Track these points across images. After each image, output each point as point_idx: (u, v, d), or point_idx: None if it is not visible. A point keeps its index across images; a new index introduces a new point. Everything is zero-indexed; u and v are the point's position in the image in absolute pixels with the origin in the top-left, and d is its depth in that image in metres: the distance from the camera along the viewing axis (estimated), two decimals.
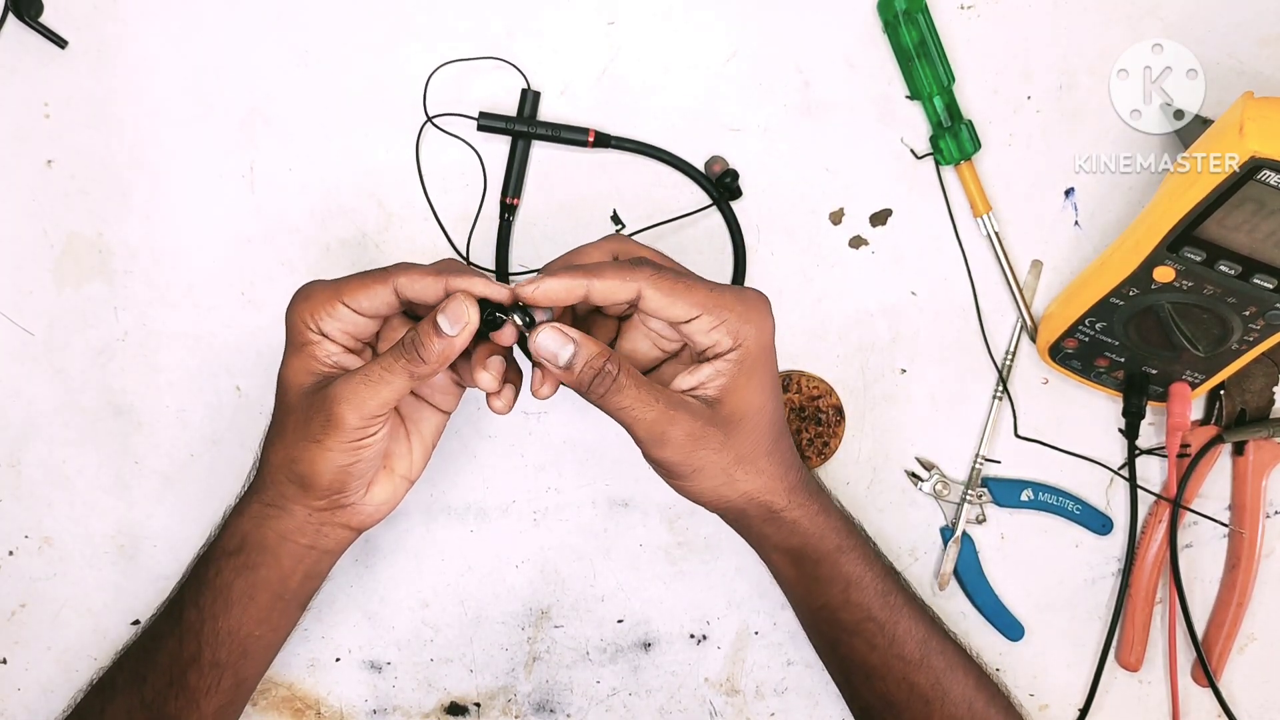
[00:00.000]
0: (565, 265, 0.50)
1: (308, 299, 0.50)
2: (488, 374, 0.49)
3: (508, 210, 0.61)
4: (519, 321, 0.48)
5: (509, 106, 0.60)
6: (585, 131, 0.59)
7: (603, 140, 0.60)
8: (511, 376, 0.51)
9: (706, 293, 0.48)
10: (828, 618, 0.54)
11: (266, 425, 0.53)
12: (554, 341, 0.47)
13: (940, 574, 0.63)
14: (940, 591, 0.63)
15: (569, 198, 0.61)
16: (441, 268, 0.49)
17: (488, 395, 0.50)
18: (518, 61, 0.61)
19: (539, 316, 0.49)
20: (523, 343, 0.49)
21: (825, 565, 0.53)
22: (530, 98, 0.60)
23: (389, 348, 0.49)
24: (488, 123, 0.59)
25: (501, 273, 0.61)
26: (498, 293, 0.48)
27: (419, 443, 0.54)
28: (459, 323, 0.47)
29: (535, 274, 0.49)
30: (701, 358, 0.49)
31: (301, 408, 0.50)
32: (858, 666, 0.54)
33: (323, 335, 0.50)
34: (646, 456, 0.51)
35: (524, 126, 0.59)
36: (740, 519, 0.54)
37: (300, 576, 0.54)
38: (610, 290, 0.47)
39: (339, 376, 0.49)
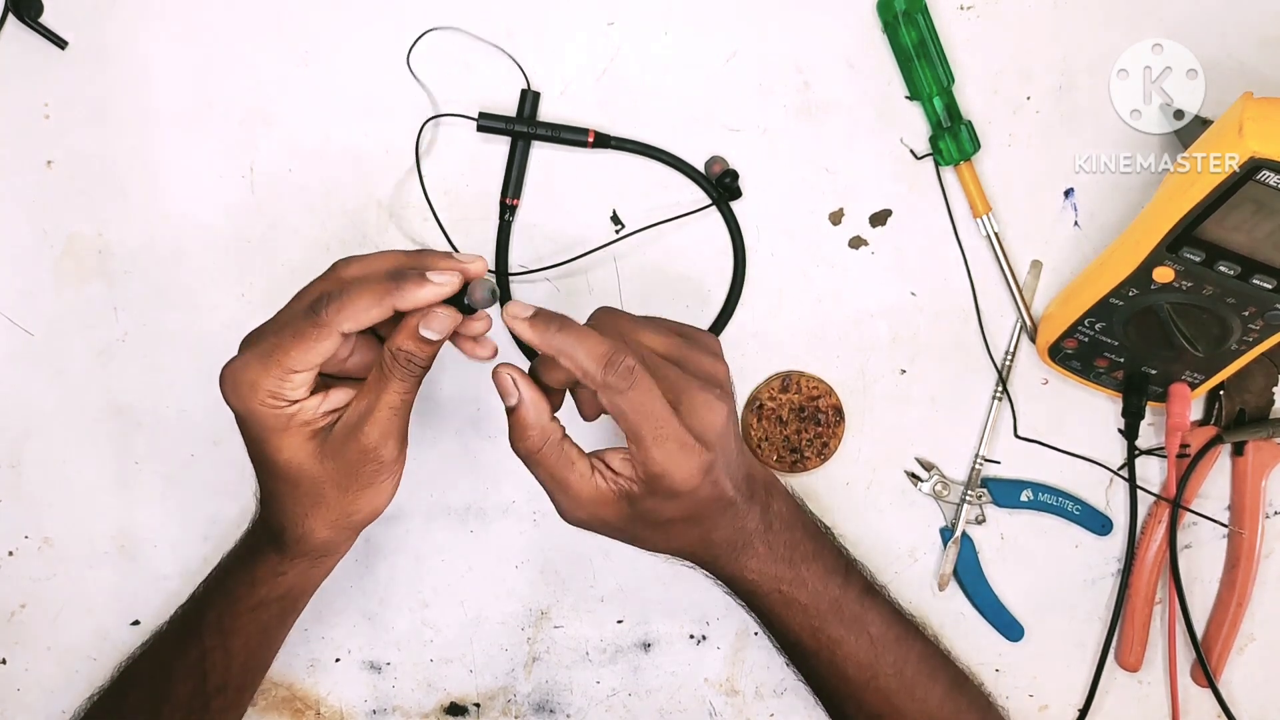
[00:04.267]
0: (555, 317, 0.47)
1: (255, 385, 0.45)
2: (485, 350, 0.49)
3: (508, 210, 0.61)
4: (487, 297, 0.47)
5: (509, 107, 0.60)
6: (585, 132, 0.59)
7: (603, 141, 0.60)
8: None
9: (649, 433, 0.45)
10: (775, 640, 0.57)
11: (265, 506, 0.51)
12: (506, 385, 0.47)
13: (940, 575, 0.63)
14: (940, 592, 0.63)
15: (569, 198, 0.61)
16: (379, 277, 0.46)
17: (470, 345, 0.49)
18: (517, 61, 0.61)
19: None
20: (465, 310, 0.48)
21: (744, 599, 0.55)
22: (530, 98, 0.60)
23: (383, 371, 0.47)
24: (487, 123, 0.59)
25: (501, 273, 0.61)
26: (452, 286, 0.46)
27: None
28: (444, 331, 0.46)
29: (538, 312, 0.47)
30: (631, 463, 0.47)
31: (334, 470, 0.48)
32: (812, 684, 0.57)
33: (297, 403, 0.47)
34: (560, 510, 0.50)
35: (524, 127, 0.59)
36: (697, 565, 0.54)
37: (309, 594, 0.56)
38: (570, 358, 0.45)
39: (346, 418, 0.47)
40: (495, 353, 0.49)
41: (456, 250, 0.59)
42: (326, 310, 0.44)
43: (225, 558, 0.56)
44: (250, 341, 0.47)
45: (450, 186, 0.61)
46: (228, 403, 0.47)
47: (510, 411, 0.47)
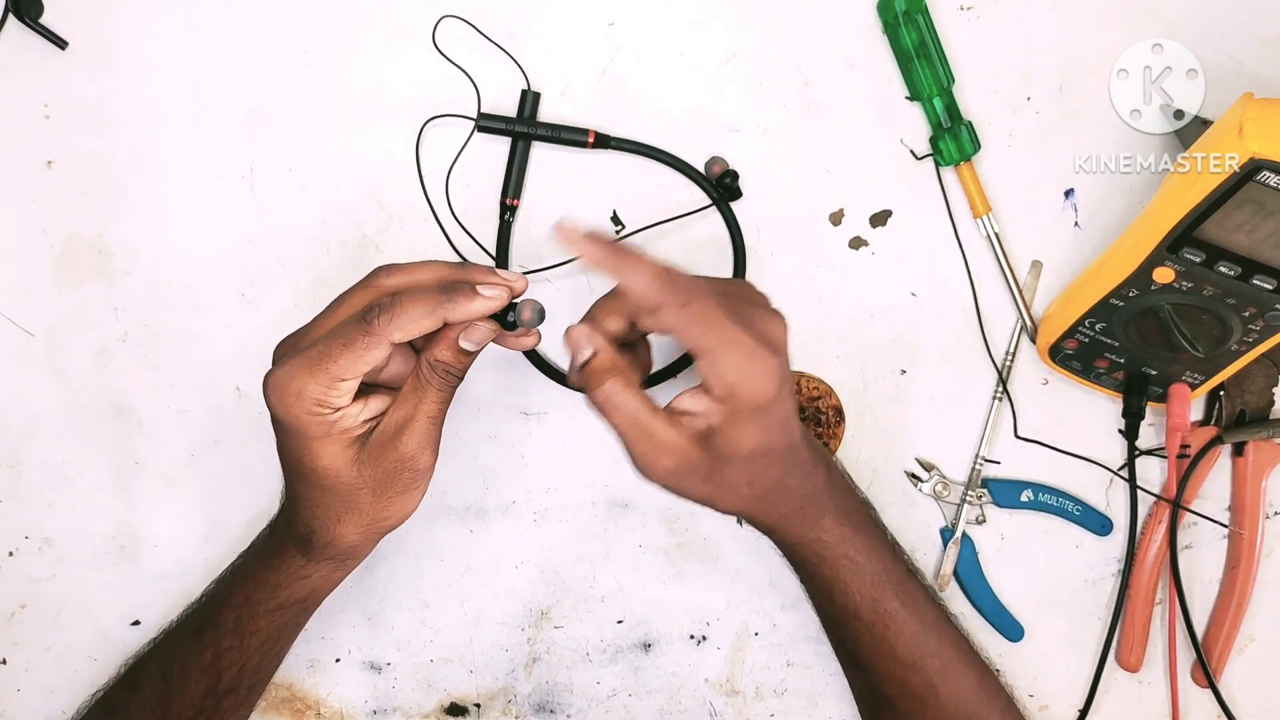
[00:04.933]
0: (617, 243, 0.47)
1: (302, 393, 0.45)
2: (531, 340, 0.51)
3: (508, 211, 0.61)
4: (531, 318, 0.49)
5: (509, 107, 0.60)
6: (585, 132, 0.59)
7: (603, 141, 0.60)
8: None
9: (717, 340, 0.45)
10: (822, 614, 0.57)
11: (291, 499, 0.51)
12: (579, 338, 0.48)
13: (940, 575, 0.63)
14: (941, 592, 0.63)
15: (569, 198, 0.61)
16: (430, 289, 0.46)
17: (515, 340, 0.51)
18: (517, 61, 0.61)
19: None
20: (508, 325, 0.49)
21: (810, 568, 0.54)
22: (530, 98, 0.60)
23: (420, 381, 0.48)
24: (488, 124, 0.59)
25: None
26: (501, 300, 0.47)
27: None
28: (483, 343, 0.48)
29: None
30: (704, 387, 0.47)
31: (371, 478, 0.48)
32: (849, 659, 0.57)
33: (340, 410, 0.47)
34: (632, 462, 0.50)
35: (524, 127, 0.59)
36: (748, 522, 0.54)
37: (325, 596, 0.56)
38: (633, 286, 0.45)
39: (383, 426, 0.48)
40: (539, 340, 0.51)
41: (497, 266, 0.60)
42: (379, 319, 0.45)
43: (243, 559, 0.56)
44: (289, 349, 0.48)
45: (450, 186, 0.61)
46: (272, 410, 0.47)
47: (584, 366, 0.47)
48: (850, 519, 0.54)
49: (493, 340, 0.49)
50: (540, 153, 0.61)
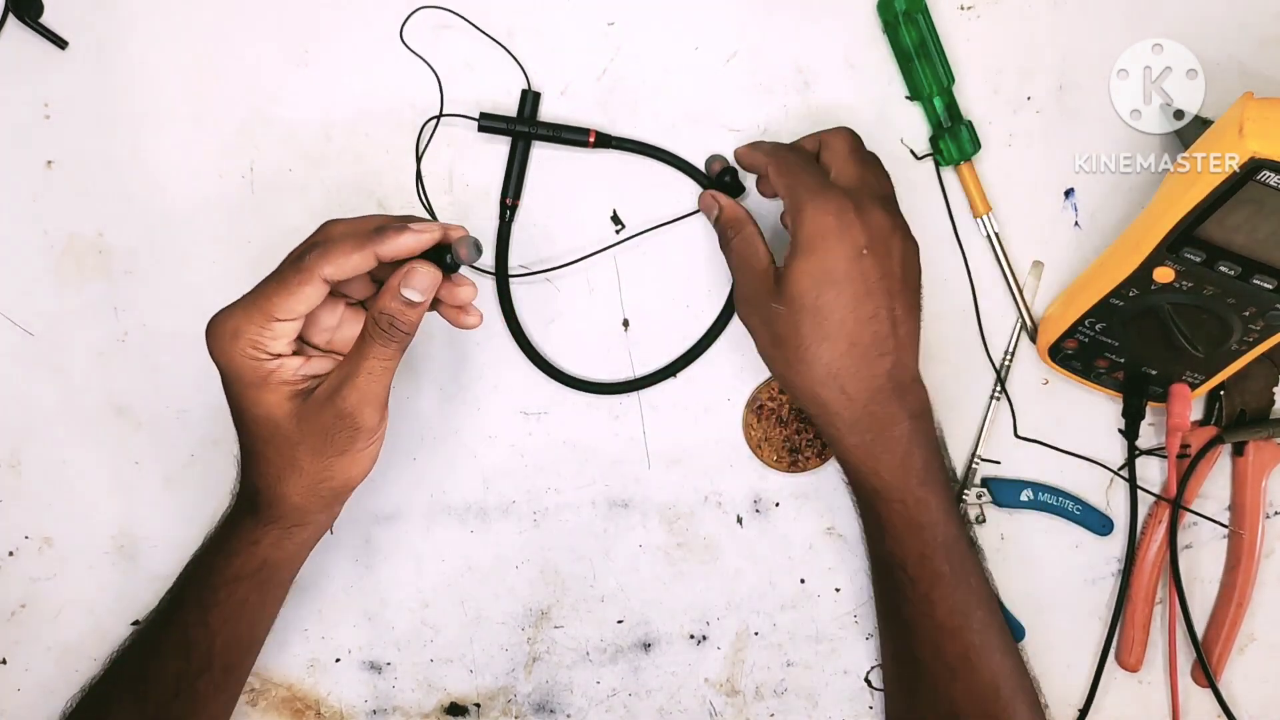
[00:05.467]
0: (763, 145, 0.57)
1: (237, 333, 0.47)
2: (473, 319, 0.52)
3: (508, 210, 0.61)
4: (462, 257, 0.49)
5: (509, 107, 0.60)
6: (586, 132, 0.59)
7: (603, 140, 0.60)
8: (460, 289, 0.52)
9: (790, 184, 0.52)
10: (870, 550, 0.58)
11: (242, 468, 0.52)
12: (706, 202, 0.57)
13: None
14: None
15: (569, 197, 0.61)
16: (363, 230, 0.48)
17: (457, 314, 0.52)
18: (518, 60, 0.61)
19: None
20: (448, 268, 0.49)
21: (866, 500, 0.55)
22: (530, 98, 0.60)
23: (364, 336, 0.48)
24: (489, 123, 0.59)
25: (501, 273, 0.61)
26: (432, 236, 0.48)
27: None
28: (426, 290, 0.48)
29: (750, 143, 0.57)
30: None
31: (309, 433, 0.49)
32: (890, 611, 0.56)
33: (278, 357, 0.48)
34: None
35: (525, 127, 0.59)
36: (817, 422, 0.55)
37: (299, 566, 0.56)
38: (747, 159, 0.57)
39: (326, 383, 0.48)
40: (481, 320, 0.52)
41: (497, 269, 0.61)
42: (310, 256, 0.46)
43: (206, 536, 0.56)
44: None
45: (450, 186, 0.61)
46: (211, 355, 0.48)
47: (718, 219, 0.57)
48: (923, 473, 0.53)
49: (438, 297, 0.49)
50: (540, 152, 0.61)
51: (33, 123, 0.61)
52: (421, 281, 0.48)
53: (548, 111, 0.61)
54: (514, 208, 0.61)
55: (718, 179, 0.60)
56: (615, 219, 0.62)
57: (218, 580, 0.53)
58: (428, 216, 0.60)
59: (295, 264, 0.47)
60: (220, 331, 0.47)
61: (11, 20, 0.60)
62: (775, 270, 0.53)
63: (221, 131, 0.61)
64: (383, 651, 0.63)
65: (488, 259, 0.61)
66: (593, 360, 0.62)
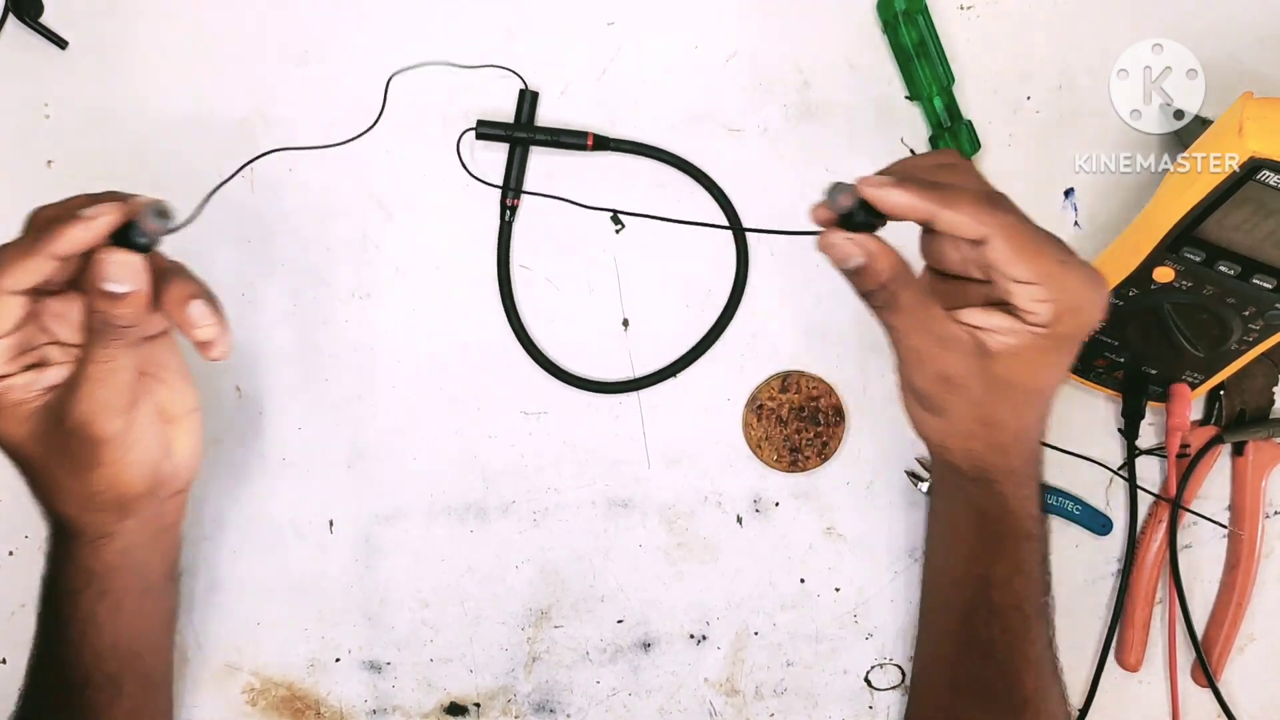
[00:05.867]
0: (913, 178, 0.43)
1: None
2: (213, 351, 0.45)
3: (508, 210, 0.61)
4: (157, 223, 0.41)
5: (507, 109, 0.60)
6: (584, 135, 0.59)
7: (602, 143, 0.60)
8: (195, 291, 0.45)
9: (1054, 264, 0.42)
10: (978, 591, 0.52)
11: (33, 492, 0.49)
12: (846, 250, 0.42)
13: None
14: None
15: (569, 196, 0.61)
16: (37, 233, 0.42)
17: (204, 344, 0.44)
18: (517, 61, 0.61)
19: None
20: (140, 247, 0.42)
21: (1007, 543, 0.51)
22: (528, 99, 0.60)
23: (86, 340, 0.43)
24: (487, 131, 0.59)
25: (503, 277, 0.61)
26: (107, 220, 0.41)
27: (171, 373, 0.49)
28: (125, 279, 0.41)
29: (879, 174, 0.44)
30: (1004, 306, 0.44)
31: (54, 451, 0.44)
32: (979, 645, 0.52)
33: (3, 379, 0.43)
34: (899, 375, 0.47)
35: (524, 133, 0.59)
36: (948, 470, 0.50)
37: (158, 563, 0.52)
38: (958, 225, 0.42)
39: (54, 395, 0.44)
40: (224, 352, 0.45)
41: (499, 271, 0.55)
42: None
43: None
44: None
45: (449, 188, 0.61)
46: None
47: (858, 271, 0.43)
48: (1042, 502, 0.51)
49: (146, 280, 0.42)
50: (540, 153, 0.61)
51: (33, 123, 0.61)
52: (113, 271, 0.41)
53: (548, 111, 0.61)
54: (514, 208, 0.61)
55: (847, 217, 0.44)
56: (615, 219, 0.62)
57: (56, 596, 0.50)
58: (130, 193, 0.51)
59: None
60: None
61: (11, 20, 0.60)
62: (976, 341, 0.44)
63: (221, 131, 0.61)
64: (383, 651, 0.63)
65: (486, 256, 0.61)
66: (593, 360, 0.62)
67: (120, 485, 0.46)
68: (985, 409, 0.46)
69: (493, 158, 0.61)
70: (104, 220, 0.41)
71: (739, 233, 0.61)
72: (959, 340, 0.44)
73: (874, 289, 0.43)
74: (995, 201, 0.43)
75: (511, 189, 0.60)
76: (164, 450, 0.48)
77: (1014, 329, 0.44)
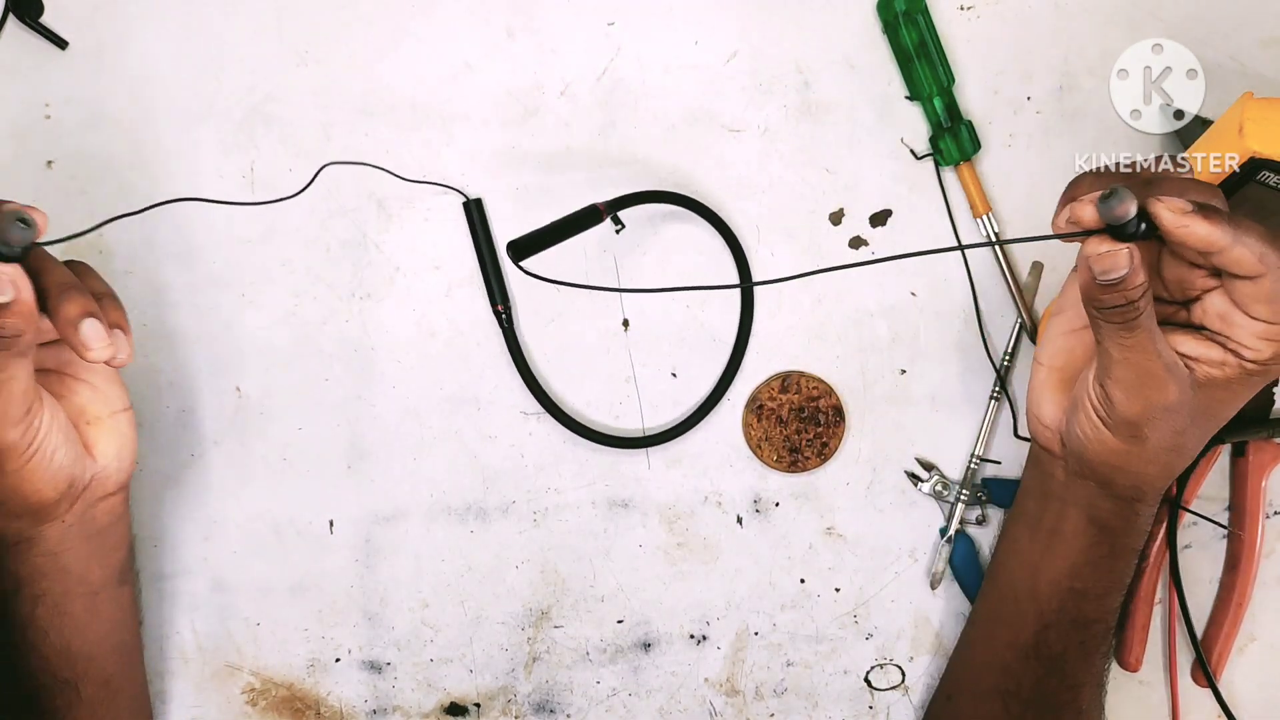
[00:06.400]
0: (1212, 208, 0.41)
1: None
2: (101, 353, 0.43)
3: (501, 316, 0.59)
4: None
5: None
6: (595, 208, 0.57)
7: (610, 207, 0.58)
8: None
9: None
10: (1067, 603, 0.51)
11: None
12: (1119, 260, 0.40)
13: (932, 574, 0.63)
14: (933, 591, 0.63)
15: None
16: None
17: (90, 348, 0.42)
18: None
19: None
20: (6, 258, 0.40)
21: (1116, 559, 0.51)
22: (475, 208, 0.60)
23: None
24: (517, 255, 0.54)
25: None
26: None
27: (92, 373, 0.48)
28: (5, 292, 0.40)
29: (1175, 198, 0.41)
30: (1217, 338, 0.44)
31: None
32: (1050, 657, 0.52)
33: None
34: (1104, 394, 0.45)
35: (554, 236, 0.56)
36: (1080, 484, 0.50)
37: (98, 566, 0.51)
38: (1242, 262, 0.41)
39: None
40: (126, 360, 0.44)
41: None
42: None
43: None
44: None
45: (450, 188, 0.61)
46: None
47: (1115, 285, 0.41)
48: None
49: (26, 290, 0.41)
50: (539, 151, 0.61)
51: (33, 123, 0.61)
52: None
53: (548, 111, 0.61)
54: (507, 311, 0.61)
55: (1121, 227, 0.41)
56: (615, 219, 0.62)
57: None
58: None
59: None
60: None
61: (11, 20, 0.60)
62: (1189, 371, 0.44)
63: (221, 131, 0.61)
64: (383, 651, 0.63)
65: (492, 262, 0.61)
66: (592, 360, 0.62)
67: (26, 493, 0.45)
68: (1182, 438, 0.46)
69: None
70: None
71: (746, 288, 0.61)
72: (1180, 369, 0.44)
73: (1122, 304, 0.41)
74: (1277, 241, 0.42)
75: (498, 297, 0.60)
76: (77, 454, 0.47)
77: (1225, 361, 0.43)
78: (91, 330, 0.42)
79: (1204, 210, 0.40)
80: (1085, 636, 0.52)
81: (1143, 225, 0.40)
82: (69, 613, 0.50)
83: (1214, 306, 0.44)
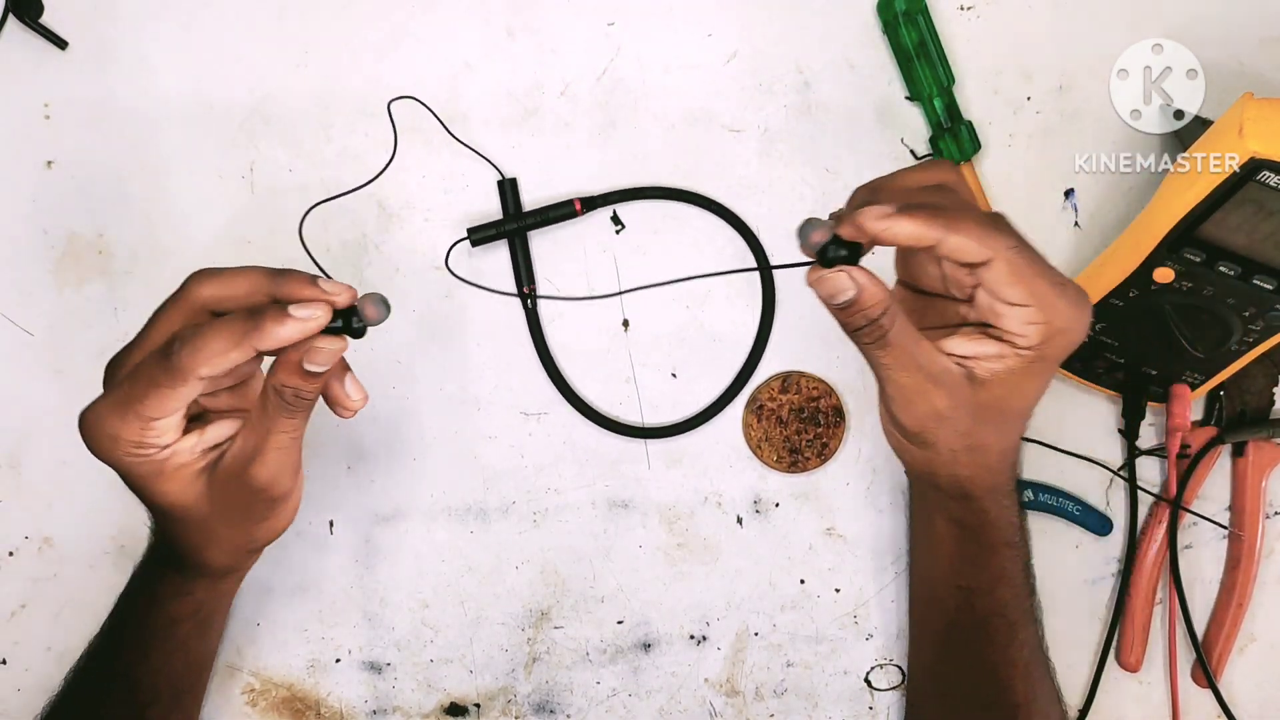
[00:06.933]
0: (915, 205, 0.41)
1: (115, 437, 0.42)
2: (356, 395, 0.46)
3: (528, 299, 0.61)
4: (354, 325, 0.43)
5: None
6: (570, 204, 0.59)
7: (590, 203, 0.60)
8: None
9: (1048, 286, 0.42)
10: (962, 600, 0.52)
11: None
12: (839, 284, 0.41)
13: None
14: None
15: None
16: (239, 314, 0.42)
17: (341, 403, 0.46)
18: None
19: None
20: (354, 332, 0.43)
21: (987, 554, 0.51)
22: (509, 187, 0.60)
23: (265, 407, 0.43)
24: (480, 236, 0.59)
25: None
26: (318, 320, 0.41)
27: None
28: (330, 362, 0.42)
29: (876, 204, 0.41)
30: (992, 332, 0.44)
31: (223, 508, 0.46)
32: (966, 654, 0.53)
33: (168, 447, 0.44)
34: (886, 409, 0.47)
35: (512, 224, 0.59)
36: (929, 488, 0.51)
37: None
38: (963, 249, 0.41)
39: (232, 457, 0.45)
40: (366, 401, 0.46)
41: (326, 275, 0.49)
42: (182, 354, 0.41)
43: (130, 579, 0.54)
44: (108, 376, 0.45)
45: (451, 187, 0.61)
46: (93, 454, 0.44)
47: (848, 306, 0.42)
48: (1022, 520, 0.51)
49: (332, 380, 0.45)
50: (539, 153, 0.61)
51: (33, 123, 0.61)
52: (325, 358, 0.42)
53: (548, 112, 0.61)
54: (533, 292, 0.61)
55: (823, 254, 0.42)
56: (615, 219, 0.62)
57: (155, 624, 0.51)
58: (314, 270, 0.52)
59: (164, 361, 0.41)
60: (95, 435, 0.43)
61: (11, 20, 0.60)
62: (964, 372, 0.44)
63: (221, 131, 0.61)
64: (383, 651, 0.63)
65: (487, 255, 0.61)
66: (592, 360, 0.62)
67: (270, 533, 0.48)
68: (973, 437, 0.46)
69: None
70: (316, 322, 0.41)
71: (765, 270, 0.61)
72: (949, 374, 0.44)
73: (864, 325, 0.42)
74: (997, 224, 0.42)
75: (526, 280, 0.61)
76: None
77: (1002, 354, 0.44)
78: (352, 386, 0.46)
79: (907, 210, 0.41)
80: (990, 631, 0.52)
81: (843, 250, 0.41)
82: (210, 632, 0.55)
83: (981, 301, 0.44)
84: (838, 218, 0.42)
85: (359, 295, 0.42)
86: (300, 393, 0.43)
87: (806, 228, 0.41)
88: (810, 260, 0.42)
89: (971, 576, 0.51)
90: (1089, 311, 0.44)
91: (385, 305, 0.42)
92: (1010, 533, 0.50)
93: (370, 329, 0.43)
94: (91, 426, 0.43)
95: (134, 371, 0.42)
